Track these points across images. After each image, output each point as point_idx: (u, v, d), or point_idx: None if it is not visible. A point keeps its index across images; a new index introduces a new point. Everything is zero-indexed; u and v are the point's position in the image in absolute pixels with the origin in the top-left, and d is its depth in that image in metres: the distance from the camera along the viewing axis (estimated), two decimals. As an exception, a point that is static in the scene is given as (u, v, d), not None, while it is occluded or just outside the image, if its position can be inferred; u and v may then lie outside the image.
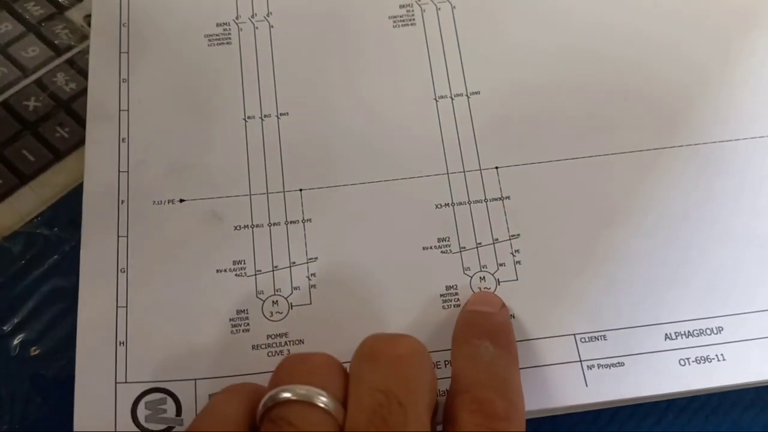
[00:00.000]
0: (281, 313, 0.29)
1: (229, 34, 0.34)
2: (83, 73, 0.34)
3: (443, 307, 0.30)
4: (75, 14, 0.36)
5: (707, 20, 0.34)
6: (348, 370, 0.24)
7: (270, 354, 0.28)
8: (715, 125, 0.32)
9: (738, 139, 0.32)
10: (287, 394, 0.22)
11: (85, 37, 0.35)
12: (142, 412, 0.27)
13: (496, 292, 0.30)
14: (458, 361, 0.26)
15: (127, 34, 0.34)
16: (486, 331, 0.27)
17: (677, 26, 0.34)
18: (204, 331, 0.29)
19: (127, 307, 0.29)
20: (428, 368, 0.24)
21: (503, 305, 0.29)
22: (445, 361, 0.28)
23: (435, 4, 0.35)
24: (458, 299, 0.30)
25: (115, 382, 0.28)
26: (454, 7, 0.35)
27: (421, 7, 0.35)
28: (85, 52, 0.34)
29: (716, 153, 0.31)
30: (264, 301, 0.29)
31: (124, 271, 0.29)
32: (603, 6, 0.34)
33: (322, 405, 0.22)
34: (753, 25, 0.34)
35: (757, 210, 0.30)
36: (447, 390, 0.25)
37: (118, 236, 0.30)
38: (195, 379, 0.28)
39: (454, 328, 0.28)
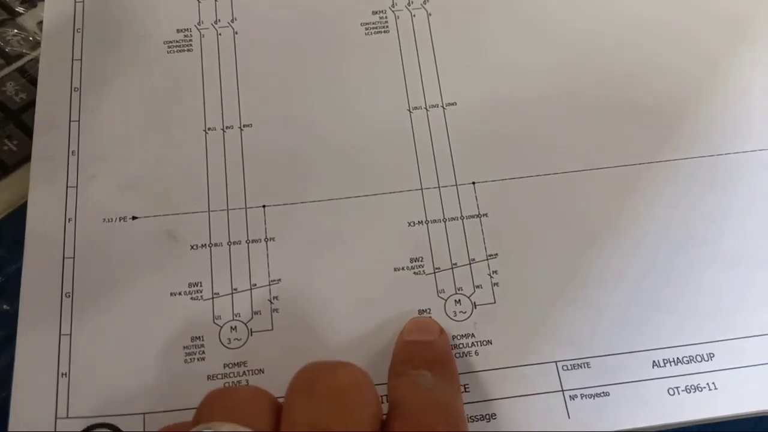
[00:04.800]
0: (240, 339, 0.27)
1: (190, 40, 0.32)
2: (35, 83, 0.32)
3: (416, 333, 0.27)
4: (28, 20, 0.34)
5: (695, 34, 0.32)
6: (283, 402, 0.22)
7: (227, 385, 0.26)
8: (704, 139, 0.30)
9: (727, 154, 0.30)
10: None
11: (38, 44, 0.33)
12: (84, 450, 0.25)
13: (473, 316, 0.28)
14: (396, 392, 0.24)
15: (80, 40, 0.32)
16: (425, 361, 0.25)
17: (663, 39, 0.32)
18: (155, 360, 0.26)
19: (71, 335, 0.27)
20: (370, 400, 0.22)
21: (441, 331, 0.27)
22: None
23: (410, 11, 0.33)
24: (432, 324, 0.27)
25: (56, 417, 0.25)
26: (430, 14, 0.33)
27: (395, 14, 0.33)
28: (38, 60, 0.32)
29: (705, 168, 0.30)
30: (221, 327, 0.27)
31: (69, 296, 0.27)
32: (586, 18, 0.33)
33: None
34: (742, 39, 0.32)
35: (746, 230, 0.29)
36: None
37: (64, 258, 0.28)
38: (144, 414, 0.26)
39: (392, 359, 0.26)
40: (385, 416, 0.22)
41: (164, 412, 0.26)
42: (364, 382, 0.22)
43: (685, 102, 0.31)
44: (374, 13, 0.33)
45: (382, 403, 0.25)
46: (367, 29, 0.33)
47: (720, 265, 0.28)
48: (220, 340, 0.27)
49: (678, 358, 0.27)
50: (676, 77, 0.31)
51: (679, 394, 0.26)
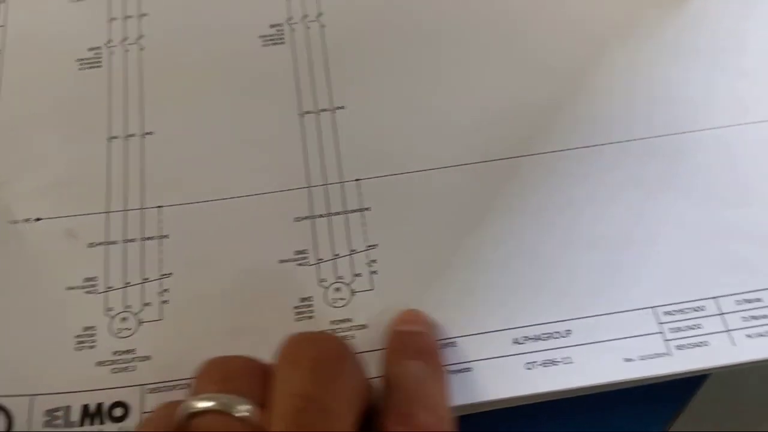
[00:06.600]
0: (129, 329, 0.29)
1: (100, 57, 0.35)
2: (-39, 101, 0.35)
3: (296, 319, 0.29)
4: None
5: (564, 31, 0.34)
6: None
7: (114, 371, 0.28)
8: (570, 133, 0.32)
9: (591, 146, 0.32)
10: (205, 404, 0.21)
11: (-35, 65, 0.36)
12: (-30, 428, 0.27)
13: (351, 302, 0.30)
14: (388, 380, 0.25)
15: (1, 60, 0.34)
16: (416, 351, 0.27)
17: (533, 36, 0.34)
18: (47, 347, 0.29)
19: (-29, 324, 0.29)
20: (354, 370, 0.23)
21: (430, 324, 0.28)
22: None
23: (305, 24, 0.35)
24: (312, 311, 0.30)
25: (-53, 396, 0.28)
26: (324, 26, 0.35)
27: (291, 27, 0.35)
28: (-36, 79, 0.35)
29: (570, 160, 0.32)
30: (113, 318, 0.29)
31: (-27, 289, 0.29)
32: (468, 21, 0.35)
33: (241, 414, 0.21)
34: (611, 34, 0.34)
35: (605, 215, 0.30)
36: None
37: (-30, 256, 0.30)
38: (31, 395, 0.28)
39: (386, 348, 0.28)
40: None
41: (52, 394, 0.28)
42: (345, 353, 0.23)
43: (554, 98, 0.33)
44: (272, 26, 0.35)
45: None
46: (264, 41, 0.35)
47: (579, 248, 0.30)
48: (111, 330, 0.29)
49: (537, 335, 0.29)
50: (546, 73, 0.33)
51: (536, 368, 0.28)
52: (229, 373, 0.23)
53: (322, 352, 0.23)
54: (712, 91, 0.33)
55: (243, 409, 0.21)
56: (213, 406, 0.21)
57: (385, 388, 0.25)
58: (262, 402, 0.22)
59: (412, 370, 0.26)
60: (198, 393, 0.22)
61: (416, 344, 0.27)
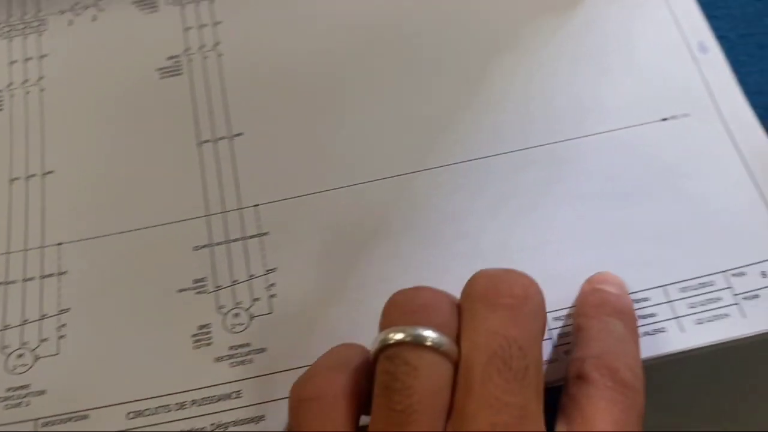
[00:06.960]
0: (26, 365, 0.29)
1: (2, 101, 0.35)
2: None
3: (194, 347, 0.30)
4: None
5: (458, 45, 0.35)
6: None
7: (7, 407, 0.28)
8: (462, 146, 0.33)
9: (485, 157, 0.32)
10: (398, 335, 0.22)
11: None
12: None
13: (250, 327, 0.30)
14: (588, 332, 0.26)
15: None
16: (616, 310, 0.27)
17: (426, 54, 0.35)
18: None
19: None
20: (542, 308, 0.24)
21: (626, 289, 0.28)
22: (196, 399, 0.28)
23: (203, 54, 0.36)
24: (210, 338, 0.30)
25: None
26: (221, 55, 0.36)
27: (188, 57, 0.36)
28: None
29: (462, 173, 0.32)
30: (8, 356, 0.29)
31: None
32: (362, 43, 0.36)
33: (433, 344, 0.22)
34: (501, 49, 0.35)
35: (493, 226, 0.31)
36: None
37: None
38: None
39: (581, 303, 0.28)
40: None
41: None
42: (537, 292, 0.24)
43: (449, 112, 0.34)
44: (169, 58, 0.36)
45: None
46: (161, 74, 0.35)
47: (476, 260, 0.30)
48: (6, 367, 0.29)
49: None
50: (436, 86, 0.34)
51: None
52: (421, 306, 0.23)
53: (515, 291, 0.23)
54: (603, 94, 0.33)
55: (436, 340, 0.22)
56: (405, 337, 0.22)
57: (582, 336, 0.26)
58: (454, 336, 0.23)
59: (614, 328, 0.26)
60: (389, 326, 0.23)
61: (616, 304, 0.27)
